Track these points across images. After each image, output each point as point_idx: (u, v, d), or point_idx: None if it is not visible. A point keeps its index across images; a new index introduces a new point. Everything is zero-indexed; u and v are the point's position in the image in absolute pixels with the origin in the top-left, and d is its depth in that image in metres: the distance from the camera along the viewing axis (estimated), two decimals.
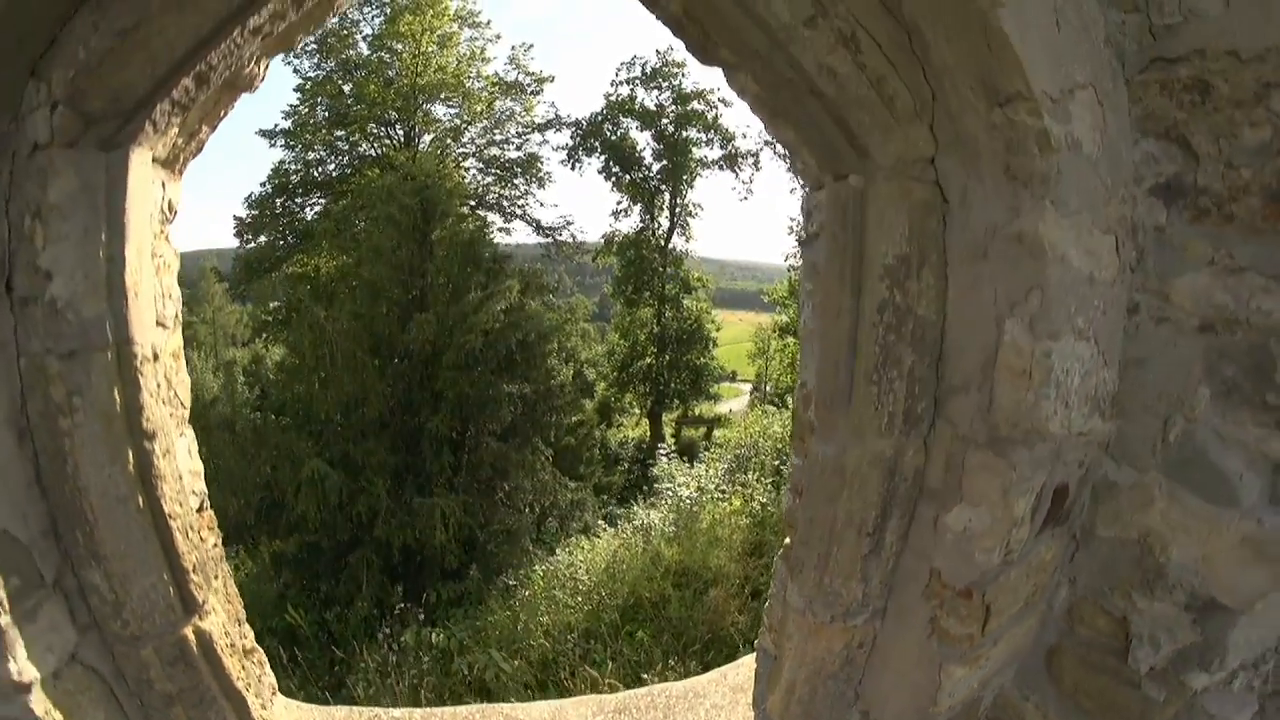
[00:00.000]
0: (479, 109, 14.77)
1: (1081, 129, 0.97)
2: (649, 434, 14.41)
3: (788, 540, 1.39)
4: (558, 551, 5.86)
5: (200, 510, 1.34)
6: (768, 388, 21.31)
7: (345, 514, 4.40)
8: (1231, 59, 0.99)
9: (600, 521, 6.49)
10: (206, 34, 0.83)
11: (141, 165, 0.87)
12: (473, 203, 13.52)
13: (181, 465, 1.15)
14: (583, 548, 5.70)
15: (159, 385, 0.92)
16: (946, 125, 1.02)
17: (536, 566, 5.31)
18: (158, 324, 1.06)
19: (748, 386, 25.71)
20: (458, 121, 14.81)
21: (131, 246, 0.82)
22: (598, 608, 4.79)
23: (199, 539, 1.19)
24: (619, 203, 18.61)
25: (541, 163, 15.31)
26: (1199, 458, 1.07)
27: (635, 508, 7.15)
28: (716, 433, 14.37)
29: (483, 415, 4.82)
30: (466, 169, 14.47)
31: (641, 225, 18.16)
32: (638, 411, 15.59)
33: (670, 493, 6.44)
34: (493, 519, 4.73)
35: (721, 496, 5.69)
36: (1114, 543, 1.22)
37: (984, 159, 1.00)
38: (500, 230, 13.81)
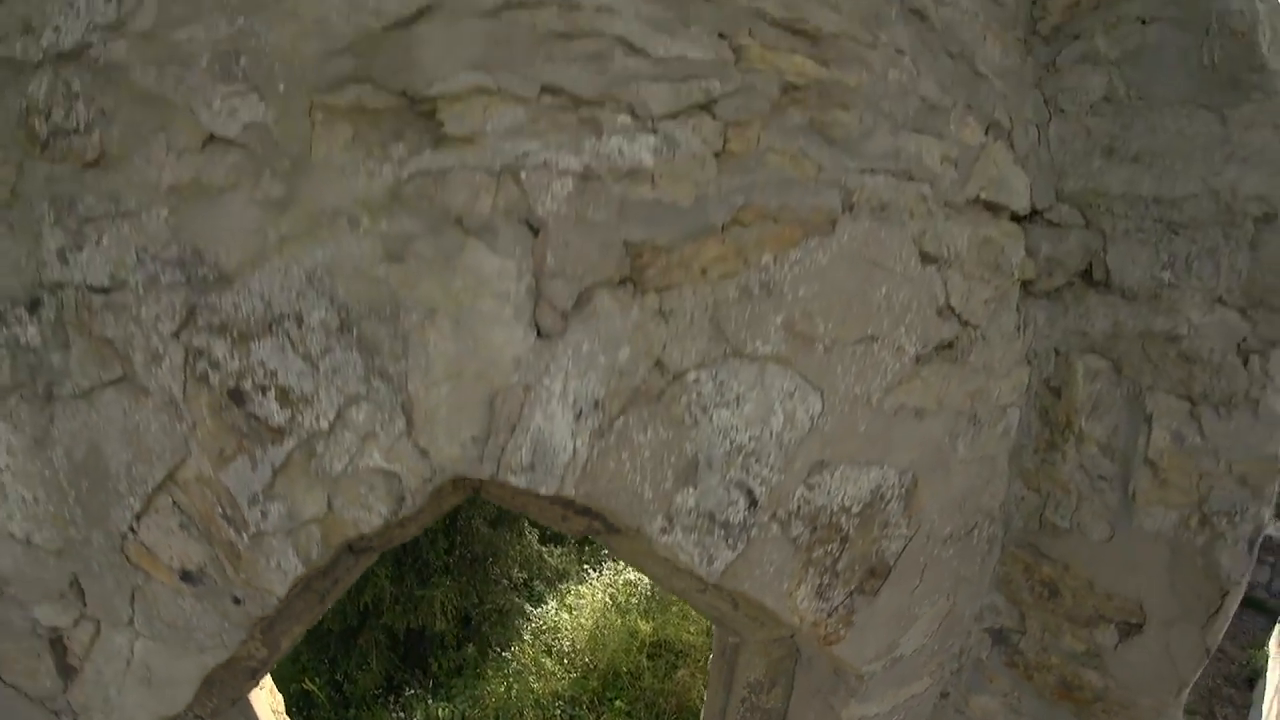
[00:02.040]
0: None
1: (908, 660, 1.37)
2: None
3: None
4: (548, 600, 6.43)
5: None
6: None
7: (354, 603, 4.92)
8: (1085, 585, 1.28)
9: (585, 566, 7.07)
10: None
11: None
12: None
13: None
14: (569, 606, 6.24)
15: None
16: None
17: (525, 634, 5.85)
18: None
19: None
20: None
21: None
22: (583, 675, 5.38)
23: None
24: None
25: None
26: None
27: None
28: None
29: (473, 505, 5.29)
30: None
31: None
32: None
33: None
34: (486, 599, 5.29)
35: None
36: None
37: (817, 664, 1.45)
38: None
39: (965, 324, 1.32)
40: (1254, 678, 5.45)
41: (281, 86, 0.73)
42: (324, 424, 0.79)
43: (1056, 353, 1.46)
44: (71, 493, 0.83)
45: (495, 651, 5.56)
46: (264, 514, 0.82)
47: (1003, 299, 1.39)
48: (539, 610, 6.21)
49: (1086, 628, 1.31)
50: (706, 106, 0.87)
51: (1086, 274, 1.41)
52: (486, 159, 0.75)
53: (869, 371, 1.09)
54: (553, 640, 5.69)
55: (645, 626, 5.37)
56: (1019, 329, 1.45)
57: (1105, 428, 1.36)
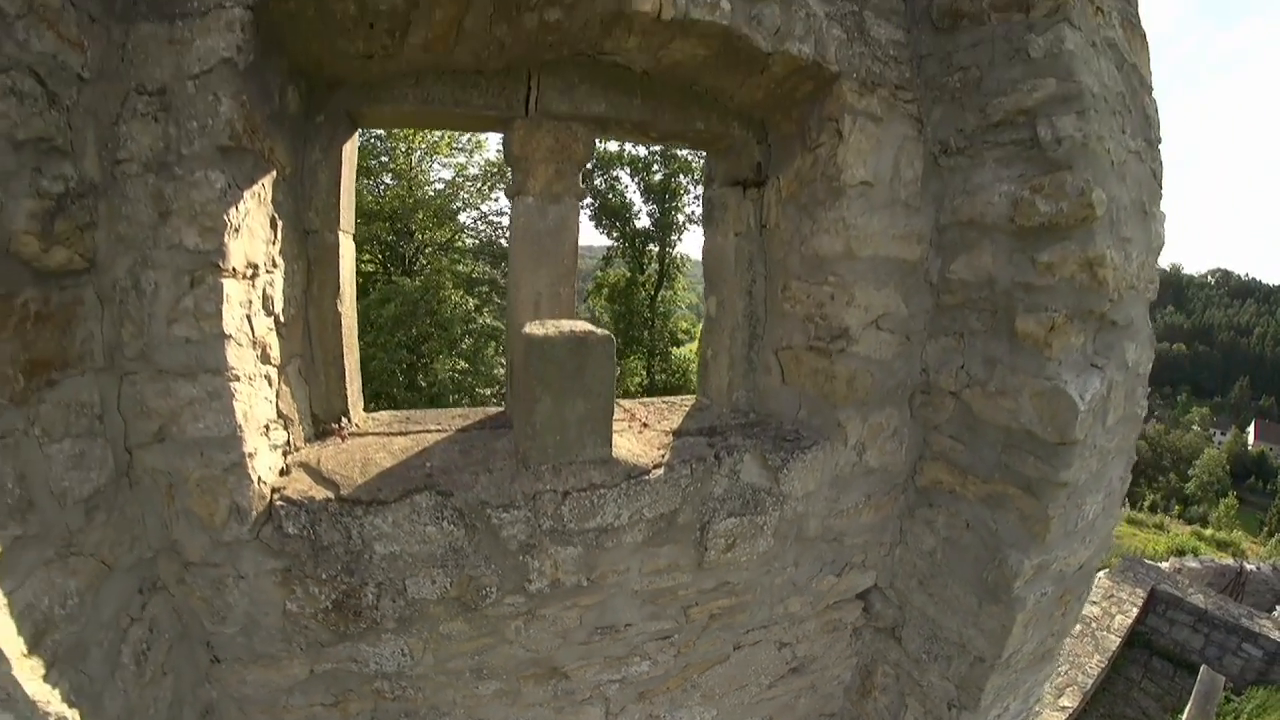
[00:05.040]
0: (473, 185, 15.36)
1: None
2: None
3: None
4: None
5: None
6: None
7: None
8: None
9: None
10: None
11: None
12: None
13: None
14: None
15: None
16: None
17: None
18: None
19: None
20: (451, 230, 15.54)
21: None
22: None
23: None
24: (610, 248, 19.51)
25: None
26: None
27: None
28: None
29: None
30: (462, 249, 15.65)
31: (629, 274, 19.05)
32: None
33: None
34: None
35: None
36: None
37: None
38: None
39: (806, 657, 2.62)
40: None
41: None
42: None
43: (873, 657, 2.73)
44: None
45: None
46: None
47: (838, 638, 2.65)
48: None
49: None
50: (673, 645, 2.20)
51: (893, 630, 2.60)
52: (591, 685, 2.18)
53: (744, 697, 2.48)
54: None
55: None
56: (850, 643, 2.71)
57: (888, 699, 2.67)
